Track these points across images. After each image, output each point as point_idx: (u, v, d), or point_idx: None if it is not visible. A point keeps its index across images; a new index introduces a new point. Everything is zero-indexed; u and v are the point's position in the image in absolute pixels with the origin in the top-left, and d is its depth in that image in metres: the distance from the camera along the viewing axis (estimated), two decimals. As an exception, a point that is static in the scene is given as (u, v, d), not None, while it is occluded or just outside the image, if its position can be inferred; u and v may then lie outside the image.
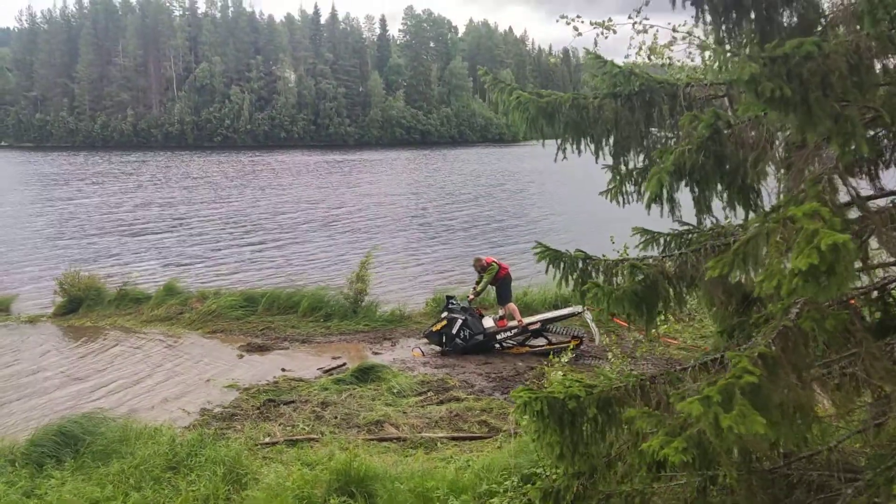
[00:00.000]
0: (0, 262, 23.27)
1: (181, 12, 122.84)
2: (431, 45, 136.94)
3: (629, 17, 6.99)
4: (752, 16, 3.33)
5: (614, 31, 6.97)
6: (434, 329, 13.02)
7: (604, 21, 7.24)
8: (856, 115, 2.86)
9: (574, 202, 38.83)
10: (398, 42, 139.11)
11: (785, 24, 3.31)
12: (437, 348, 12.97)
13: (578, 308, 11.99)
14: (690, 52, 7.13)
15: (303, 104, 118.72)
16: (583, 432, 3.90)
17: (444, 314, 12.98)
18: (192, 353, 13.16)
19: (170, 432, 7.94)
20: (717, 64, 3.36)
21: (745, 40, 3.34)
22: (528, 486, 5.62)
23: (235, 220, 33.09)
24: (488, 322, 13.08)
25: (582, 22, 7.14)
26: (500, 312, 13.17)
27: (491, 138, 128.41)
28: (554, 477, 4.51)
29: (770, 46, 2.80)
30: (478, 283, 13.34)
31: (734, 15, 3.37)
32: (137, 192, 46.05)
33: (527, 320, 12.93)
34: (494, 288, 13.45)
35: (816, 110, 2.82)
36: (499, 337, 12.91)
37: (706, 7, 3.39)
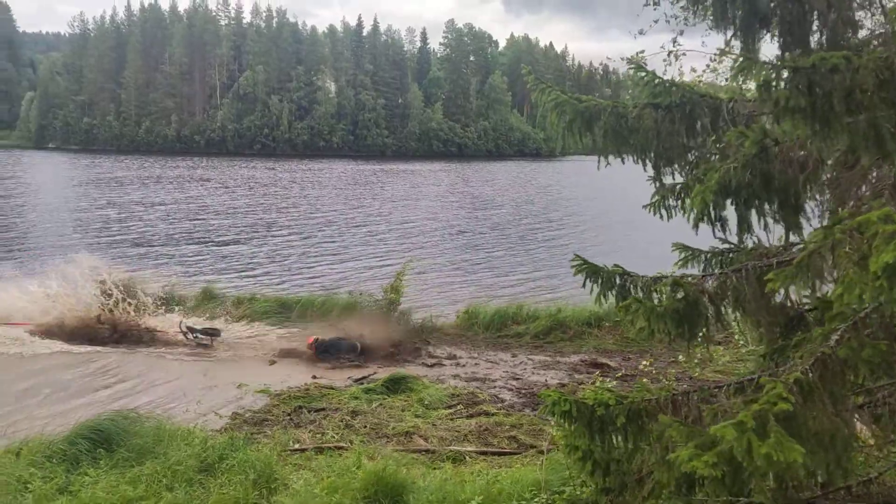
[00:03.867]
0: (48, 258, 23.86)
1: (227, 22, 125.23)
2: (471, 58, 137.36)
3: (671, 42, 6.95)
4: (777, 32, 3.29)
5: (678, 57, 6.88)
6: None
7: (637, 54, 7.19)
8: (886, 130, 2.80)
9: (613, 218, 38.59)
10: (438, 55, 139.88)
11: (815, 43, 3.27)
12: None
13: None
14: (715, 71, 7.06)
15: (342, 114, 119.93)
16: (612, 442, 3.85)
17: None
18: (225, 357, 13.30)
19: (202, 435, 8.01)
20: (734, 69, 3.30)
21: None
22: (556, 495, 5.55)
23: (273, 227, 33.53)
24: None
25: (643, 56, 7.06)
26: None
27: (528, 153, 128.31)
28: (583, 490, 4.46)
29: (793, 56, 2.76)
30: None
31: (760, 31, 3.34)
32: (182, 196, 46.90)
33: None
34: None
35: (835, 123, 2.76)
36: None
37: (735, 24, 3.36)
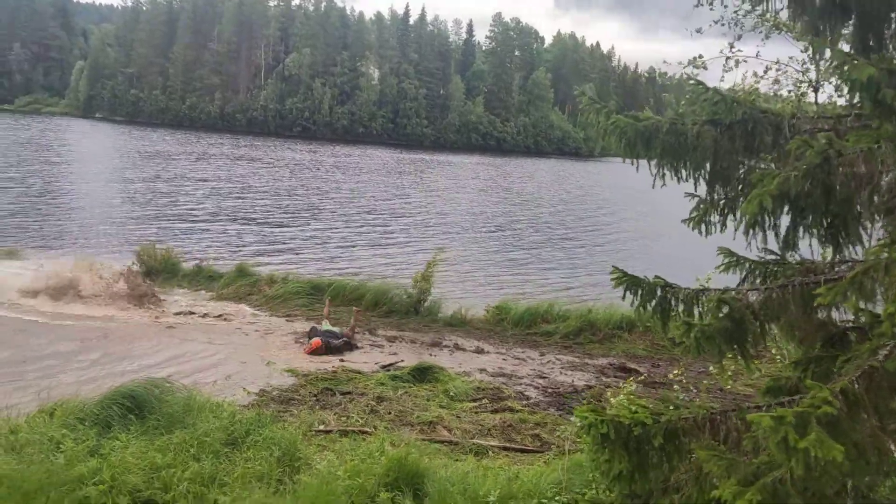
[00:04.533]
0: (88, 226, 24.47)
1: (276, 3, 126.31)
2: (516, 53, 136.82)
3: (728, 46, 6.81)
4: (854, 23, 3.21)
5: (737, 63, 6.74)
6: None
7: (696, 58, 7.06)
8: None
9: (650, 223, 38.24)
10: (483, 48, 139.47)
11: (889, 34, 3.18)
12: None
13: None
14: (778, 83, 6.91)
15: (383, 102, 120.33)
16: (647, 459, 3.81)
17: None
18: (255, 334, 13.47)
19: (230, 409, 8.11)
20: (828, 65, 3.21)
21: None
22: (578, 496, 5.53)
23: (316, 210, 33.83)
24: None
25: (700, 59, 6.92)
26: None
27: (567, 151, 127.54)
28: (607, 495, 4.43)
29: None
30: None
31: (838, 22, 3.26)
32: (227, 174, 47.56)
33: None
34: None
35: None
36: None
37: (812, 11, 3.28)
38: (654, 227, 36.73)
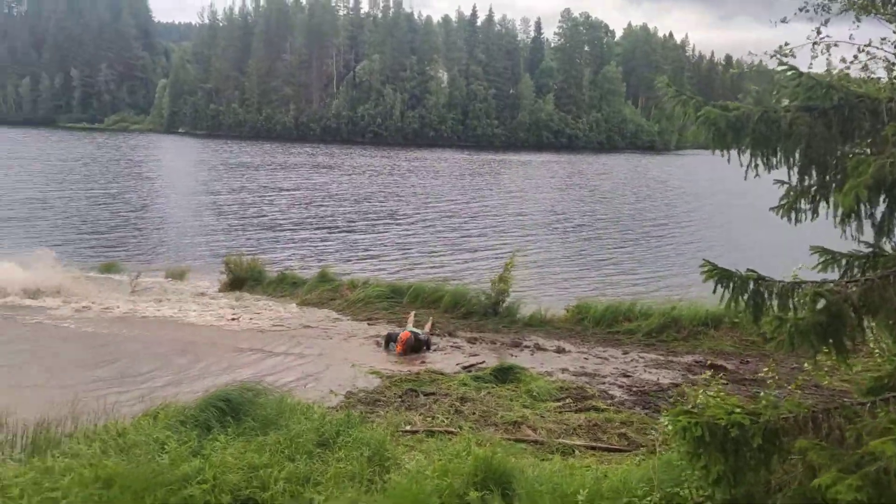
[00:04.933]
0: (180, 238, 25.68)
1: (345, 12, 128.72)
2: (586, 48, 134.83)
3: (815, 32, 6.57)
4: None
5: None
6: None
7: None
8: None
9: (732, 215, 37.15)
10: (552, 45, 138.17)
11: None
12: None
13: None
14: (866, 68, 6.62)
15: (453, 104, 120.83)
16: (746, 461, 3.74)
17: None
18: (338, 338, 13.81)
19: (320, 410, 8.39)
20: None
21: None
22: (674, 495, 5.44)
23: (396, 215, 34.37)
24: None
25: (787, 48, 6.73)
26: None
27: (641, 146, 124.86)
28: (709, 502, 4.36)
29: None
30: None
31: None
32: (308, 182, 48.87)
33: None
34: None
35: None
36: None
37: None
38: (737, 220, 35.65)
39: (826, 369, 7.59)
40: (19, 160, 56.89)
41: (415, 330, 13.50)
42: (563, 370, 12.17)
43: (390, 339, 13.26)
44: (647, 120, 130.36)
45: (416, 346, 13.15)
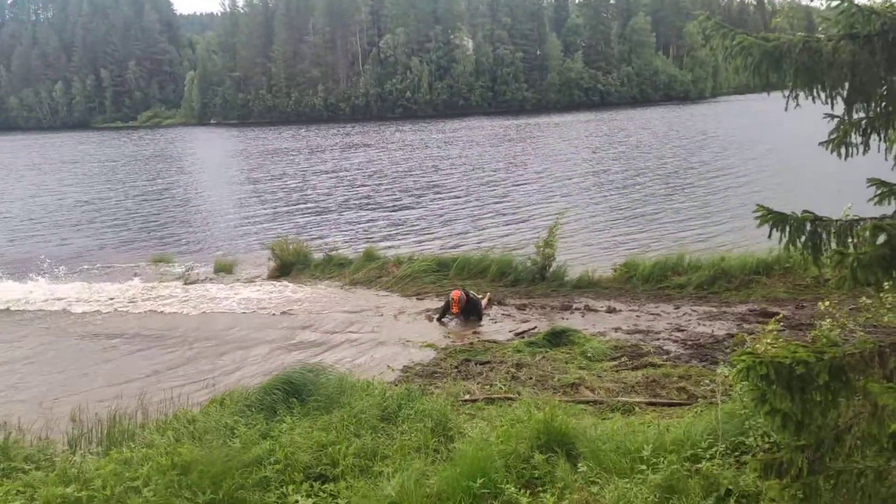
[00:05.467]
0: (226, 229, 26.21)
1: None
2: (612, 1, 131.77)
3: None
4: None
5: None
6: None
7: None
8: None
9: (774, 159, 36.30)
10: (577, 1, 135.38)
11: None
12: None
13: None
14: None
15: (480, 71, 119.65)
16: (813, 400, 3.73)
17: None
18: (390, 314, 13.99)
19: (381, 386, 8.56)
20: None
21: None
22: (748, 457, 5.42)
23: (438, 189, 34.34)
24: None
25: None
26: None
27: (675, 96, 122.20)
28: (776, 449, 4.34)
29: None
30: None
31: None
32: (347, 164, 49.03)
33: None
34: None
35: None
36: None
37: None
38: (784, 162, 34.77)
39: (889, 306, 7.43)
40: (62, 164, 58.45)
41: (465, 289, 13.62)
42: (616, 329, 12.16)
43: (445, 312, 13.36)
44: (679, 69, 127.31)
45: (471, 308, 13.24)
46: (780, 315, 10.79)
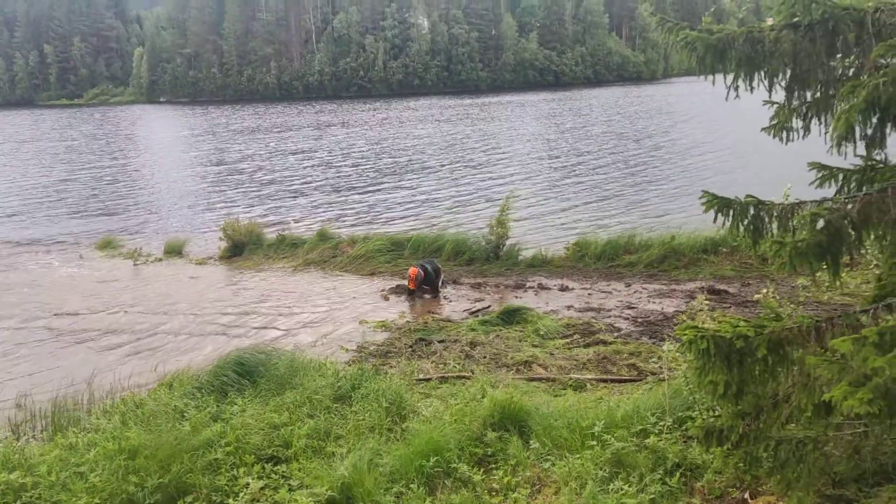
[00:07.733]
0: (171, 210, 25.54)
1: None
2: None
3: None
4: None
5: None
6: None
7: None
8: None
9: (722, 142, 36.97)
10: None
11: None
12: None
13: None
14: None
15: (436, 51, 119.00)
16: (751, 372, 3.83)
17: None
18: (344, 294, 13.91)
19: (333, 367, 8.52)
20: None
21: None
22: (689, 423, 5.58)
23: (389, 169, 33.97)
24: None
25: None
26: None
27: (628, 77, 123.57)
28: (715, 416, 4.47)
29: None
30: None
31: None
32: (286, 143, 48.29)
33: None
34: None
35: None
36: None
37: None
38: (730, 145, 35.44)
39: (826, 286, 7.69)
40: (3, 143, 56.24)
41: (423, 263, 13.65)
42: (569, 307, 12.31)
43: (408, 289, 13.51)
44: (632, 51, 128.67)
45: (428, 280, 13.43)
46: (725, 296, 11.07)
